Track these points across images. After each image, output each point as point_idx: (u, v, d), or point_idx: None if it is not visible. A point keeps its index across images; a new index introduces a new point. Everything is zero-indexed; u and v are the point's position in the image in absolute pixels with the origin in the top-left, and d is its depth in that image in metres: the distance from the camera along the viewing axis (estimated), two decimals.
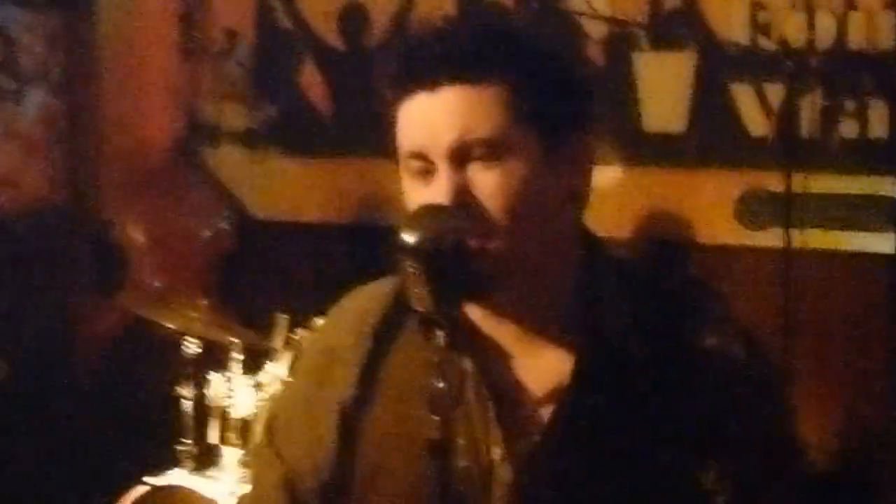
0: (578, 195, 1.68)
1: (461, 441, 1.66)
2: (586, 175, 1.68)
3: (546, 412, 1.66)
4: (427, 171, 1.59)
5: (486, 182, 1.56)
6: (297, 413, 1.88)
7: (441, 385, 1.44)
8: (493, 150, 1.57)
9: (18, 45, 5.88)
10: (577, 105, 1.68)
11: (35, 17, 5.98)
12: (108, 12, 6.12)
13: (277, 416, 2.00)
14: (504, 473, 1.66)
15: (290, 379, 2.39)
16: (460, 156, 1.56)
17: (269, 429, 1.96)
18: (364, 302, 1.85)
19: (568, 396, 1.64)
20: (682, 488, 1.65)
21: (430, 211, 1.54)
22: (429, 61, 1.61)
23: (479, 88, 1.56)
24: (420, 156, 1.60)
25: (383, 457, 1.74)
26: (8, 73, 5.85)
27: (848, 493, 4.74)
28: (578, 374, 1.63)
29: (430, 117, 1.58)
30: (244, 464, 4.08)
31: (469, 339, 1.63)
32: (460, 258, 1.49)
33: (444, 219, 1.52)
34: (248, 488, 1.99)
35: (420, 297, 1.47)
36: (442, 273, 1.46)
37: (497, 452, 1.66)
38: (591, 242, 1.74)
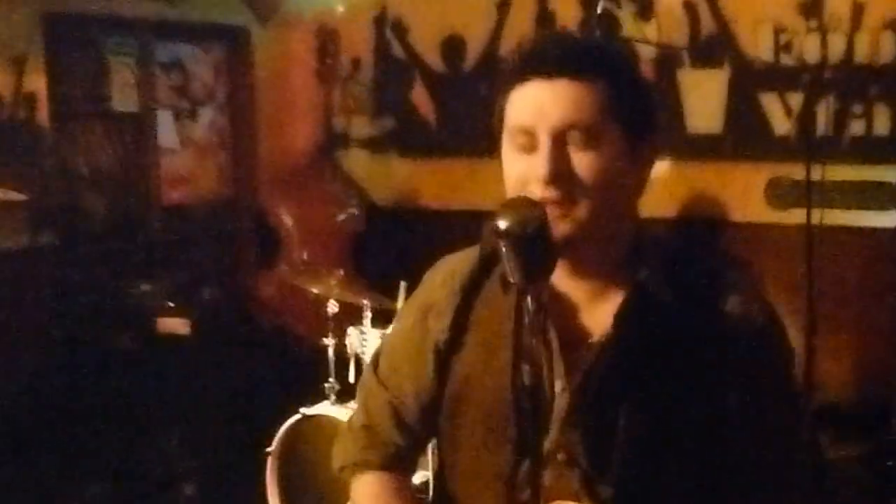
0: (643, 185, 1.86)
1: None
2: (650, 169, 1.87)
3: (597, 350, 1.82)
4: (531, 145, 1.75)
5: (581, 161, 1.72)
6: (400, 352, 2.08)
7: (530, 342, 1.59)
8: (589, 136, 1.73)
9: (191, 74, 6.74)
10: (655, 113, 1.87)
11: (204, 52, 6.84)
12: (260, 46, 6.98)
13: (382, 354, 2.17)
14: (562, 402, 1.83)
15: (394, 325, 2.41)
16: (562, 135, 1.72)
17: (375, 363, 2.16)
18: (453, 266, 2.02)
19: (609, 339, 1.80)
20: (703, 416, 1.81)
21: (519, 201, 1.67)
22: (548, 55, 1.79)
23: (585, 83, 1.73)
24: (527, 131, 1.75)
25: (468, 387, 1.93)
26: (184, 96, 6.70)
27: (861, 420, 5.27)
28: (619, 320, 1.80)
29: (542, 99, 1.74)
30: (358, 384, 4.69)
31: (545, 299, 1.71)
32: (543, 241, 1.62)
33: (530, 208, 1.64)
34: (361, 379, 2.21)
35: (512, 271, 1.61)
36: (527, 252, 1.59)
37: (559, 385, 1.83)
38: (639, 221, 1.91)
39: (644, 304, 1.80)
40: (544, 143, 1.72)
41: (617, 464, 1.78)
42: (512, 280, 1.61)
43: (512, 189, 1.75)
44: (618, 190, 1.77)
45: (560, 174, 1.70)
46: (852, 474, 4.97)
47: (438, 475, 2.07)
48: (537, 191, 1.70)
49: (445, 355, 1.94)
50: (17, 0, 5.59)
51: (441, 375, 1.96)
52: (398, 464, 2.07)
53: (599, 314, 1.84)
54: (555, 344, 1.81)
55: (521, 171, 1.74)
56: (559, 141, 1.71)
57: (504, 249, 1.60)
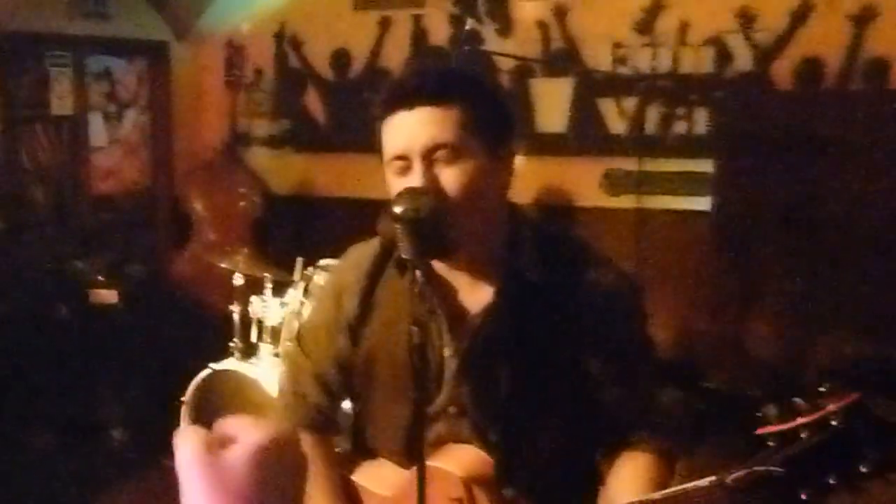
0: (507, 183, 1.98)
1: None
2: (512, 169, 1.98)
3: (476, 324, 1.98)
4: (406, 168, 1.87)
5: (448, 175, 1.85)
6: (319, 328, 2.22)
7: (421, 306, 1.73)
8: (453, 153, 1.85)
9: (118, 82, 6.99)
10: (508, 125, 1.98)
11: (129, 63, 7.09)
12: (177, 59, 7.29)
13: (304, 331, 2.32)
14: (451, 365, 1.99)
15: (313, 305, 2.49)
16: (430, 155, 1.84)
17: (299, 338, 2.31)
18: (360, 253, 2.17)
19: (490, 310, 1.96)
20: (574, 375, 1.96)
21: (410, 191, 1.81)
22: (409, 87, 1.91)
23: (443, 108, 1.86)
24: (401, 157, 1.87)
25: (376, 354, 2.08)
26: (112, 101, 6.95)
27: (678, 370, 5.60)
28: (498, 294, 1.96)
29: (408, 127, 1.86)
30: (278, 357, 4.65)
31: (432, 277, 1.88)
32: (430, 223, 1.76)
33: (419, 196, 1.79)
34: (281, 375, 2.35)
35: (405, 248, 1.75)
36: (418, 231, 1.74)
37: (447, 351, 1.99)
38: (512, 209, 2.03)
39: (518, 283, 1.96)
40: (416, 164, 1.86)
41: (500, 413, 1.96)
42: (405, 256, 1.77)
43: None
44: (483, 192, 1.90)
45: (433, 188, 1.84)
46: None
47: (354, 427, 2.25)
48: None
49: (356, 329, 2.11)
50: None
51: (354, 345, 2.13)
52: (323, 421, 2.25)
53: (480, 294, 2.00)
54: (442, 316, 1.98)
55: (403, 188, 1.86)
56: (429, 160, 1.86)
57: (399, 231, 1.77)
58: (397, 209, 1.77)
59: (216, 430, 1.12)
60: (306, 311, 4.63)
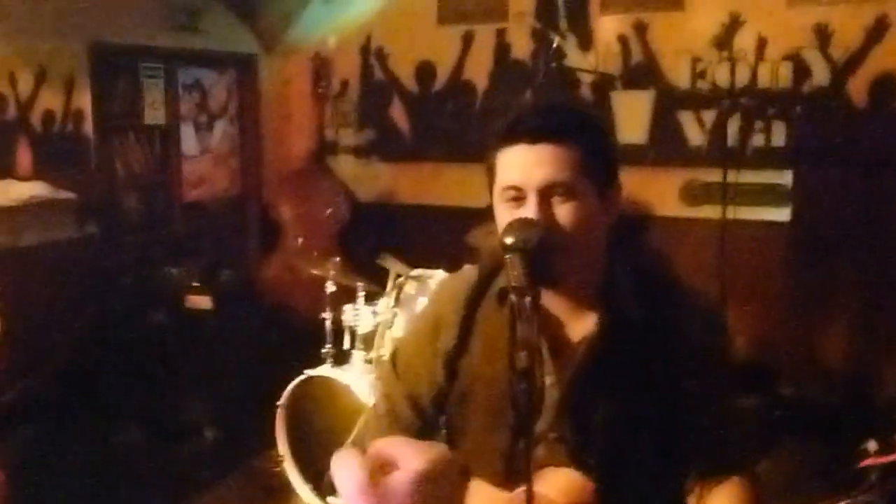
0: (613, 218, 1.97)
1: None
2: (618, 205, 1.98)
3: (579, 353, 1.96)
4: (519, 198, 1.88)
5: (562, 212, 1.86)
6: (414, 355, 2.19)
7: (527, 333, 1.69)
8: (567, 191, 1.85)
9: (209, 93, 7.19)
10: (616, 164, 1.98)
11: (219, 74, 7.30)
12: (266, 71, 7.51)
13: (399, 353, 2.28)
14: (553, 393, 1.98)
15: (409, 330, 2.46)
16: (547, 192, 1.85)
17: (393, 361, 2.26)
18: (458, 283, 2.16)
19: (593, 342, 1.95)
20: (669, 403, 1.95)
21: (521, 222, 1.82)
22: (533, 123, 1.91)
23: (564, 148, 1.86)
24: (515, 188, 1.88)
25: (474, 384, 2.07)
26: (202, 112, 7.14)
27: (756, 378, 5.65)
28: (600, 324, 1.95)
29: (528, 162, 1.87)
30: (376, 368, 4.60)
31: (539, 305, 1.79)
32: (540, 253, 1.77)
33: (530, 227, 1.80)
34: (376, 383, 2.42)
35: (514, 277, 1.74)
36: (528, 261, 1.74)
37: (549, 379, 1.98)
38: (612, 247, 2.01)
39: (618, 314, 1.95)
40: (531, 198, 1.85)
41: (598, 440, 1.94)
42: (514, 285, 1.73)
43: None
44: (592, 228, 1.90)
45: (547, 225, 1.83)
46: (746, 422, 5.03)
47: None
48: None
49: (454, 359, 2.09)
50: (67, 32, 5.98)
51: (450, 376, 2.10)
52: (416, 436, 2.12)
53: (581, 324, 1.98)
54: (544, 345, 1.96)
55: (514, 218, 1.85)
56: (543, 196, 1.85)
57: (509, 260, 1.76)
58: (509, 239, 1.78)
59: (373, 454, 1.14)
60: (398, 321, 4.72)
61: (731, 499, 2.00)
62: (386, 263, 4.85)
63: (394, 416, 2.20)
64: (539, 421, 1.96)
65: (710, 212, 6.12)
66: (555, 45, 6.09)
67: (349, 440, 3.67)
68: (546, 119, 1.93)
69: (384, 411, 2.23)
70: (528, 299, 1.71)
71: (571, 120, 1.95)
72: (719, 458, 2.01)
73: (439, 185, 6.60)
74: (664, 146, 6.46)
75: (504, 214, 1.89)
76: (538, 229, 1.80)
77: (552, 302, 1.98)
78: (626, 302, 1.96)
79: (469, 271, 2.16)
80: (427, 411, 2.17)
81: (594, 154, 1.91)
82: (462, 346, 2.08)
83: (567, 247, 1.86)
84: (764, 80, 6.14)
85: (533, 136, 1.88)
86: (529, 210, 1.85)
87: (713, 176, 6.04)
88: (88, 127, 6.24)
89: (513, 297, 1.82)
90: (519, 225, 1.81)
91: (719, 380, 2.02)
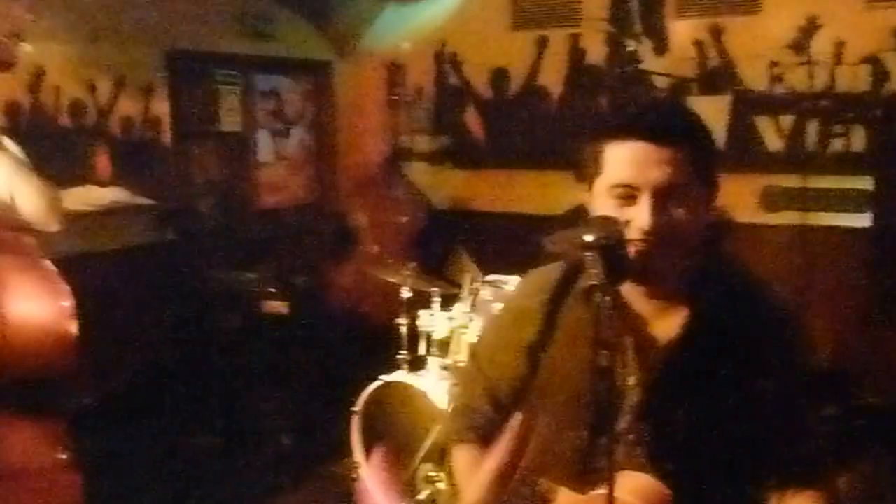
0: (710, 218, 1.95)
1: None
2: (715, 204, 1.98)
3: (664, 354, 1.95)
4: (630, 196, 1.86)
5: (676, 215, 1.84)
6: (496, 347, 2.22)
7: (609, 331, 1.69)
8: (682, 193, 1.84)
9: (285, 100, 7.30)
10: (717, 164, 1.96)
11: (295, 81, 7.42)
12: (341, 77, 7.62)
13: (480, 346, 2.34)
14: (634, 394, 1.96)
15: (490, 324, 2.57)
16: (661, 192, 1.83)
17: (474, 355, 2.33)
18: (543, 278, 2.15)
19: (679, 343, 1.94)
20: (752, 408, 1.94)
21: (601, 220, 1.81)
22: (651, 119, 1.90)
23: (680, 148, 1.84)
24: (627, 186, 1.86)
25: (554, 378, 2.07)
26: (278, 119, 7.27)
27: (835, 387, 5.28)
28: (688, 326, 1.94)
29: (645, 160, 1.84)
30: (452, 374, 4.63)
31: (620, 304, 1.82)
32: (620, 250, 1.75)
33: (609, 224, 1.78)
34: (452, 388, 2.47)
35: (595, 275, 1.71)
36: (608, 258, 1.72)
37: (632, 380, 1.96)
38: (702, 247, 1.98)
39: (707, 316, 1.94)
40: (646, 198, 1.84)
41: (677, 444, 1.92)
42: (594, 282, 1.70)
43: None
44: (699, 231, 1.90)
45: (660, 226, 1.82)
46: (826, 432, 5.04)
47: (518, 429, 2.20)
48: (636, 236, 1.83)
49: (536, 352, 2.09)
50: (144, 41, 6.12)
51: (531, 368, 2.10)
52: (490, 434, 2.23)
53: (667, 324, 1.97)
54: (629, 343, 1.96)
55: (626, 218, 1.84)
56: (659, 197, 1.83)
57: (588, 258, 1.73)
58: (588, 237, 1.75)
59: None
60: (473, 326, 4.72)
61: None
62: (461, 261, 5.03)
63: (472, 411, 2.24)
64: (618, 423, 1.95)
65: (789, 217, 6.10)
66: (629, 50, 6.10)
67: (421, 452, 3.96)
68: (665, 117, 1.93)
69: (463, 406, 2.28)
70: (607, 298, 1.70)
71: (688, 120, 1.95)
72: (797, 469, 1.99)
73: (514, 192, 6.60)
74: (742, 151, 6.38)
75: (610, 210, 1.87)
76: (617, 226, 1.78)
77: (639, 301, 1.98)
78: (715, 299, 1.95)
79: (556, 266, 2.14)
80: (504, 404, 2.19)
81: (706, 156, 1.91)
82: (545, 339, 2.08)
83: (672, 249, 1.85)
84: (842, 83, 6.07)
85: (651, 133, 1.85)
86: (643, 210, 1.83)
87: (792, 181, 6.03)
88: (166, 133, 6.38)
89: (597, 296, 1.81)
90: (600, 223, 1.80)
91: (800, 385, 2.00)
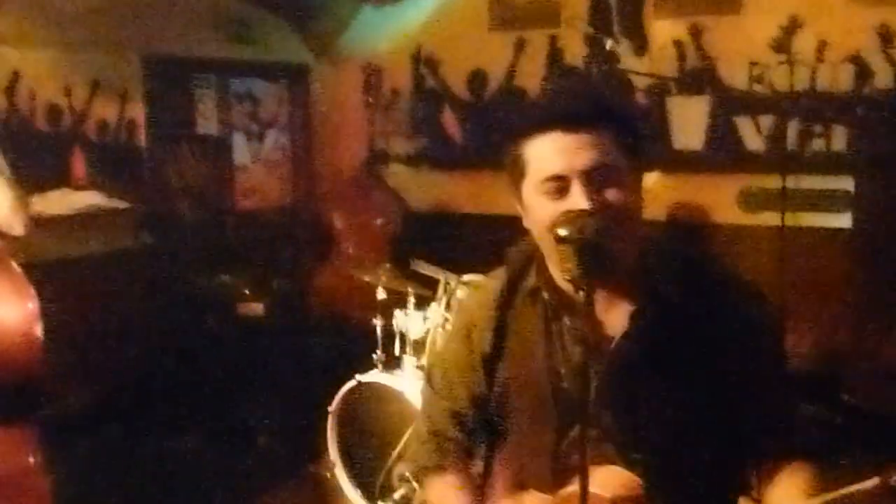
0: (642, 198, 1.96)
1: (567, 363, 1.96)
2: (644, 190, 1.97)
3: (616, 346, 1.96)
4: (562, 188, 1.85)
5: (610, 196, 1.84)
6: (452, 367, 2.21)
7: (581, 326, 1.75)
8: (612, 174, 1.85)
9: (260, 103, 7.32)
10: (643, 142, 1.99)
11: (271, 84, 7.45)
12: (317, 81, 7.62)
13: (434, 371, 2.31)
14: (593, 386, 1.95)
15: (443, 345, 2.47)
16: (591, 176, 1.83)
17: (429, 377, 2.31)
18: (486, 288, 2.17)
19: (629, 331, 1.94)
20: (714, 392, 1.93)
21: (574, 213, 1.80)
22: (567, 108, 1.93)
23: (599, 130, 1.86)
24: (558, 177, 1.85)
25: (513, 385, 2.07)
26: (254, 121, 7.27)
27: (819, 384, 5.42)
28: (636, 314, 1.94)
29: (569, 149, 1.84)
30: (421, 370, 4.65)
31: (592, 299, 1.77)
32: (595, 242, 1.75)
33: (583, 217, 1.79)
34: (417, 417, 2.31)
35: (569, 270, 1.74)
36: (584, 252, 1.73)
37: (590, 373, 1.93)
38: (643, 231, 1.99)
39: (655, 303, 1.94)
40: (577, 185, 1.84)
41: (643, 433, 1.93)
42: (569, 278, 1.75)
43: (545, 229, 1.86)
44: (635, 211, 1.91)
45: (597, 209, 1.82)
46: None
47: (487, 459, 2.20)
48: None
49: (491, 364, 2.09)
50: (121, 45, 6.09)
51: (489, 381, 2.10)
52: (461, 458, 2.22)
53: (615, 315, 1.97)
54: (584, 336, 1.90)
55: (555, 213, 1.84)
56: (589, 181, 1.84)
57: (564, 253, 1.77)
58: (563, 231, 1.77)
59: None
60: (449, 326, 4.65)
61: (795, 479, 1.95)
62: (420, 269, 4.87)
63: (440, 437, 2.22)
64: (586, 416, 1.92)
65: (768, 218, 6.03)
66: (608, 48, 6.04)
67: (396, 451, 3.95)
68: (577, 103, 1.95)
69: (429, 434, 2.24)
70: (582, 292, 1.72)
71: (601, 102, 1.96)
72: (776, 439, 1.98)
73: (491, 194, 6.47)
74: (721, 151, 6.37)
75: (546, 207, 1.87)
76: (591, 219, 1.78)
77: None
78: (662, 285, 1.95)
79: (495, 275, 2.15)
80: (470, 425, 2.18)
81: (627, 135, 1.92)
82: (498, 350, 2.08)
83: (618, 234, 1.83)
84: (824, 83, 6.01)
85: (566, 121, 1.87)
86: (576, 198, 1.83)
87: (772, 182, 5.93)
88: (142, 137, 6.39)
89: (545, 295, 1.96)
90: (573, 216, 1.80)
91: (765, 366, 1.99)
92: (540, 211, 1.88)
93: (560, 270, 1.84)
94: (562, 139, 1.86)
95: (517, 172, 1.94)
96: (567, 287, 1.91)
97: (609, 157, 1.86)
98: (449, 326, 4.67)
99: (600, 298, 1.93)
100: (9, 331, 2.86)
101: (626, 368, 1.94)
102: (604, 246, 1.78)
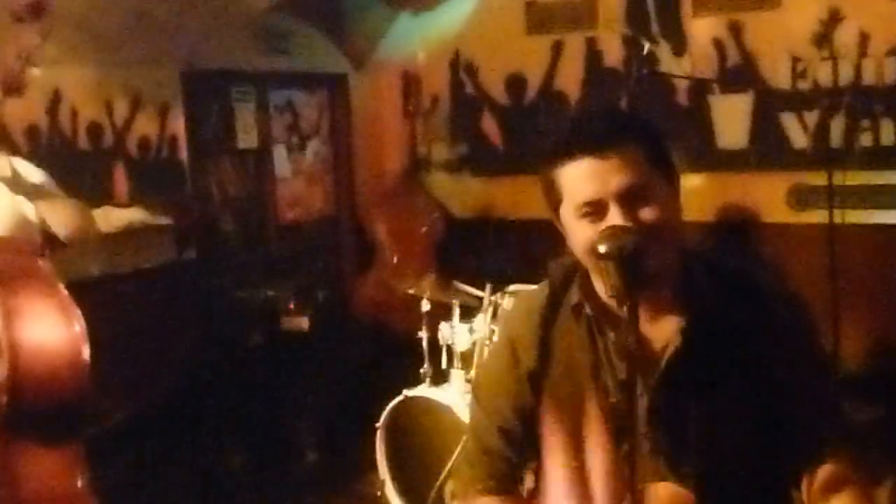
0: (681, 209, 1.99)
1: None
2: (680, 199, 2.00)
3: (664, 361, 1.96)
4: (598, 212, 1.88)
5: (647, 214, 1.87)
6: (497, 384, 2.20)
7: (626, 341, 1.74)
8: (647, 192, 1.87)
9: (300, 114, 7.32)
10: (672, 156, 1.98)
11: (311, 95, 7.44)
12: (356, 89, 7.62)
13: (480, 389, 2.33)
14: (641, 403, 1.95)
15: (487, 361, 2.58)
16: (626, 197, 1.86)
17: (475, 393, 2.32)
18: (528, 303, 2.17)
19: (676, 347, 1.94)
20: (762, 401, 1.95)
21: (614, 229, 1.82)
22: (595, 134, 1.92)
23: (629, 151, 1.88)
24: (594, 203, 1.87)
25: (556, 402, 2.07)
26: (294, 133, 7.29)
27: (877, 388, 5.46)
28: (683, 328, 1.94)
29: (600, 172, 1.87)
30: (470, 383, 4.62)
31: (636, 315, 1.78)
32: (635, 258, 1.76)
33: (623, 234, 1.80)
34: (465, 436, 2.30)
35: (612, 286, 1.77)
36: (625, 268, 1.75)
37: (637, 388, 1.91)
38: (682, 244, 2.00)
39: (700, 315, 1.95)
40: (614, 207, 1.86)
41: (693, 449, 1.94)
42: (612, 294, 1.78)
43: (587, 252, 1.89)
44: (675, 226, 1.94)
45: (638, 227, 1.85)
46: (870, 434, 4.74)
47: (537, 477, 2.20)
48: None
49: (538, 380, 2.09)
50: (160, 60, 6.12)
51: (537, 396, 2.10)
52: (510, 478, 2.21)
53: (660, 330, 1.98)
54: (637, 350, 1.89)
55: (596, 234, 1.86)
56: (624, 202, 1.86)
57: (604, 269, 1.80)
58: (603, 248, 1.79)
59: None
60: (496, 337, 4.58)
61: (846, 489, 1.94)
62: (463, 288, 4.90)
63: (489, 455, 2.20)
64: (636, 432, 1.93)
65: (818, 216, 5.94)
66: (647, 51, 5.98)
67: (447, 468, 3.90)
68: (605, 127, 1.95)
69: (479, 453, 2.22)
70: (626, 308, 1.73)
71: (626, 122, 2.01)
72: (820, 450, 1.98)
73: (534, 198, 6.26)
74: (766, 150, 6.29)
75: (586, 230, 1.89)
76: (630, 235, 1.81)
77: None
78: (706, 297, 1.97)
79: (538, 290, 2.17)
80: (519, 440, 2.16)
81: (656, 151, 1.94)
82: (543, 365, 2.08)
83: (659, 249, 1.86)
84: (869, 76, 5.92)
85: (597, 146, 1.89)
86: (615, 218, 1.86)
87: (820, 179, 5.83)
88: (183, 152, 6.38)
89: (588, 310, 1.98)
90: (612, 232, 1.82)
91: (811, 371, 2.01)
92: (580, 234, 1.91)
93: (604, 287, 1.88)
94: (592, 164, 1.88)
95: (554, 198, 1.98)
96: (611, 302, 1.93)
97: (642, 176, 1.89)
98: (496, 338, 4.56)
99: (644, 313, 1.92)
100: (57, 355, 2.85)
101: (677, 384, 1.95)
102: (645, 261, 1.80)
